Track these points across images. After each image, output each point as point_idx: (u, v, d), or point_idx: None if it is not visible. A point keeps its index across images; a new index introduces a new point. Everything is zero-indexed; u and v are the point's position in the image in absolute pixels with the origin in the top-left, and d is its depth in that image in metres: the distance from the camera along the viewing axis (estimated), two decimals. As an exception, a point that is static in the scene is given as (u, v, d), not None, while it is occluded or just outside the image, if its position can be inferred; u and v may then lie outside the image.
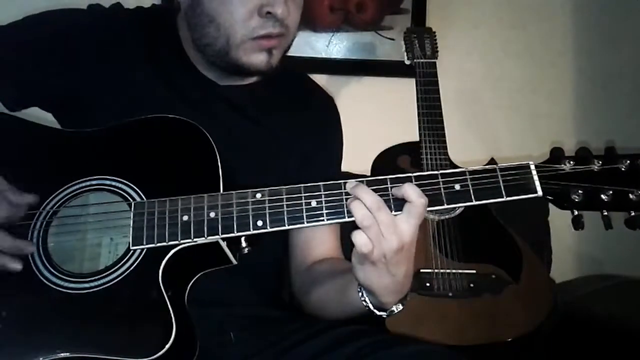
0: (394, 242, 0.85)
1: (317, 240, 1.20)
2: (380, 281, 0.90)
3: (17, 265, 0.92)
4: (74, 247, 0.95)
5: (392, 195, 0.88)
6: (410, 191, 0.85)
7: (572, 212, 0.90)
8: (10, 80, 1.11)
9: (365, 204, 0.85)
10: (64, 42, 1.10)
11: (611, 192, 0.87)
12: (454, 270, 1.50)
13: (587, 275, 2.07)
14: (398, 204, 0.87)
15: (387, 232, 0.85)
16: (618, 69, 2.10)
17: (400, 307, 0.96)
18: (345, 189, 0.89)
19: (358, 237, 0.85)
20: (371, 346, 0.98)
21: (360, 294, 0.96)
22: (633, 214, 0.87)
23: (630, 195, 0.87)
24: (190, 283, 0.96)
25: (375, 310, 0.96)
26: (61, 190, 0.98)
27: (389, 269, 0.88)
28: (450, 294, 1.48)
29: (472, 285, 1.49)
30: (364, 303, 0.96)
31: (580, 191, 0.88)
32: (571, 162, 0.89)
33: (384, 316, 0.96)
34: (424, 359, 0.96)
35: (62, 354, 0.86)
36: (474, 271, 1.50)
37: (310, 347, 1.03)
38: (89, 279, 0.91)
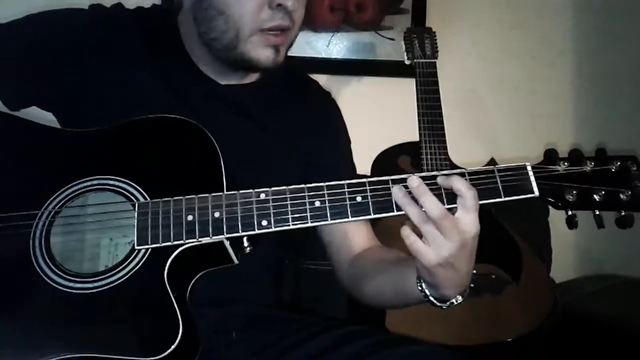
0: (456, 244, 0.85)
1: (352, 232, 1.19)
2: (444, 276, 0.90)
3: None
4: (76, 247, 0.95)
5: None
6: (460, 184, 0.86)
7: (566, 212, 0.92)
8: (11, 79, 1.11)
9: (427, 210, 0.85)
10: (65, 41, 1.10)
11: (603, 192, 0.90)
12: (454, 270, 1.50)
13: (587, 275, 2.08)
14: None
15: (451, 235, 0.85)
16: (618, 69, 2.10)
17: (460, 299, 0.95)
18: (348, 189, 0.90)
19: (422, 251, 0.86)
20: (371, 346, 0.99)
21: (419, 286, 0.96)
22: (623, 213, 0.90)
23: (621, 195, 0.89)
24: (192, 282, 0.97)
25: (436, 302, 0.96)
26: (63, 189, 0.98)
27: (453, 265, 0.88)
28: (450, 294, 1.48)
29: (472, 285, 1.49)
30: (424, 295, 0.96)
31: (574, 191, 0.90)
32: (565, 164, 0.91)
33: (444, 307, 0.96)
34: (424, 359, 0.97)
35: (67, 354, 0.86)
36: (474, 271, 1.50)
37: (310, 347, 1.03)
38: (94, 278, 0.91)
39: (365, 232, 1.20)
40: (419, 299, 0.97)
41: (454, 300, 0.95)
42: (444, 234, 0.85)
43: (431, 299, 0.95)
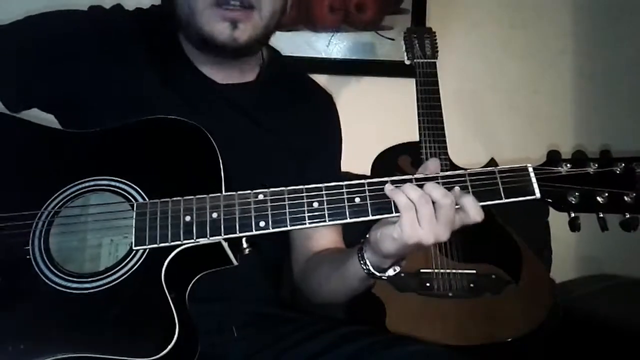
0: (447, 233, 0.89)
1: (318, 234, 1.20)
2: (406, 253, 0.94)
3: None
4: (75, 247, 0.95)
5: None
6: (436, 193, 0.88)
7: (569, 214, 0.92)
8: (11, 80, 1.11)
9: (407, 194, 0.88)
10: (65, 43, 1.10)
11: (607, 194, 0.89)
12: (454, 270, 1.50)
13: (587, 275, 2.07)
14: None
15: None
16: (618, 69, 2.10)
17: (398, 268, 0.98)
18: (346, 189, 0.90)
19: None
20: (371, 346, 0.99)
21: (359, 258, 0.98)
22: (628, 216, 0.89)
23: (625, 197, 0.89)
24: (191, 283, 0.97)
25: (376, 272, 0.98)
26: (63, 190, 0.98)
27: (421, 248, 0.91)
28: (450, 294, 1.48)
29: (472, 285, 1.50)
30: (364, 267, 0.98)
31: (576, 193, 0.90)
32: (568, 165, 0.91)
33: (384, 277, 0.99)
34: (424, 359, 0.97)
35: (64, 355, 0.86)
36: (474, 271, 1.51)
37: (310, 347, 1.03)
38: (91, 279, 0.92)
39: (331, 236, 1.21)
40: (360, 275, 1.00)
41: (391, 270, 0.98)
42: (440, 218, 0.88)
43: (371, 269, 0.98)
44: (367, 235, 0.96)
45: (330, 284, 1.11)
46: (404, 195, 0.88)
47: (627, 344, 1.49)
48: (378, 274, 0.98)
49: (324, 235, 1.21)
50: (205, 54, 1.13)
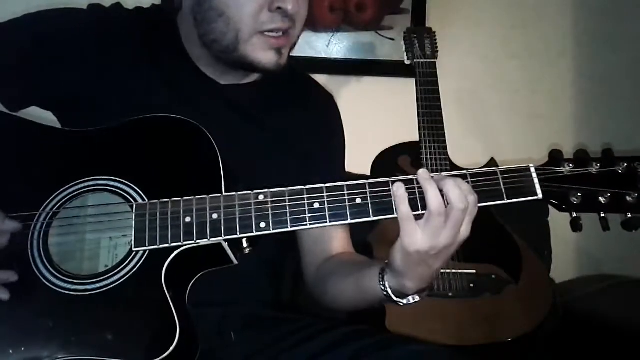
0: (450, 238, 0.87)
1: (327, 236, 1.19)
2: (415, 268, 0.90)
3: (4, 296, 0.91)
4: (74, 248, 0.95)
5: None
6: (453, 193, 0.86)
7: (571, 214, 0.91)
8: (9, 79, 1.10)
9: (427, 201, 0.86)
10: (64, 41, 1.10)
11: (609, 194, 0.89)
12: (454, 270, 1.50)
13: (587, 275, 2.07)
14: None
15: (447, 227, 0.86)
16: (618, 69, 2.10)
17: (418, 298, 0.96)
18: (347, 190, 0.89)
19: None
20: (371, 346, 0.99)
21: (380, 279, 0.96)
22: (630, 215, 0.89)
23: (627, 197, 0.88)
24: (191, 283, 0.96)
25: (394, 297, 0.96)
26: (62, 190, 0.97)
27: (428, 261, 0.89)
28: (450, 294, 1.48)
29: (472, 285, 1.50)
30: (383, 289, 0.96)
31: (579, 194, 0.89)
32: (570, 165, 0.90)
33: (401, 304, 0.96)
34: (424, 359, 0.97)
35: (64, 357, 0.86)
36: (474, 271, 1.51)
37: (310, 348, 1.03)
38: (91, 280, 0.91)
39: (340, 238, 1.20)
40: (378, 295, 0.97)
41: (411, 298, 0.95)
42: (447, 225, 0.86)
43: (389, 291, 0.95)
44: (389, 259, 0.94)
45: (345, 297, 1.10)
46: (406, 205, 0.86)
47: (627, 344, 1.49)
48: (396, 299, 0.96)
49: (332, 239, 1.20)
50: (233, 70, 1.12)
